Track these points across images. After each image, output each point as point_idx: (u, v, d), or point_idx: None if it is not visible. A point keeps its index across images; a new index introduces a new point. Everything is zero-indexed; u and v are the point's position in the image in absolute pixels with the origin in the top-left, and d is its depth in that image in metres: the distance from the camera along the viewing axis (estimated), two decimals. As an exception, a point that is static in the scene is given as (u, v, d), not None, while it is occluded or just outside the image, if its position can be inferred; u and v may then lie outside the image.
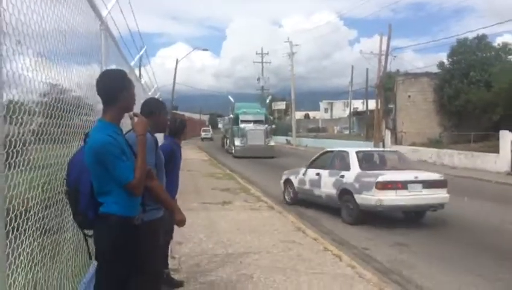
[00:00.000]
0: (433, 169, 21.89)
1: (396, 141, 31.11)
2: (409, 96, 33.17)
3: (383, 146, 30.28)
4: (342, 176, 9.40)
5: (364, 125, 43.87)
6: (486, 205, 11.71)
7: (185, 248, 6.42)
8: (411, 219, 9.44)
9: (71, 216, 2.89)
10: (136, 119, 2.70)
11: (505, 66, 29.53)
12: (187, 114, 63.68)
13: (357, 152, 9.77)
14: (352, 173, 9.20)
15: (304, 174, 10.76)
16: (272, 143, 29.86)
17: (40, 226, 2.67)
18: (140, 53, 12.47)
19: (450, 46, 32.30)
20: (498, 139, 20.60)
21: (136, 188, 2.56)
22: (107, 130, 2.55)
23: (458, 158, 23.33)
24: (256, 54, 55.60)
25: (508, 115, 24.09)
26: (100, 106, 2.91)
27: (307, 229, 7.94)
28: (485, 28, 59.88)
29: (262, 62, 55.07)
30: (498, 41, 32.95)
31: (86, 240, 2.80)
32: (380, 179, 8.56)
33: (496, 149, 20.73)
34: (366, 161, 9.84)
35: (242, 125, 29.43)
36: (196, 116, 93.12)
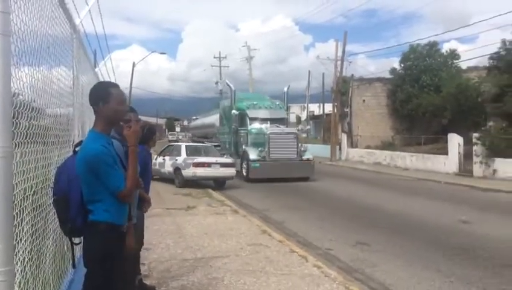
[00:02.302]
0: (387, 170, 22.92)
1: (352, 144, 32.07)
2: (364, 100, 34.35)
3: (340, 149, 31.19)
4: (176, 160, 15.47)
5: (321, 128, 44.87)
6: (437, 205, 12.38)
7: (153, 253, 6.44)
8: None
9: (52, 224, 2.91)
10: (127, 129, 2.76)
11: (452, 72, 31.20)
12: (143, 118, 62.48)
13: (186, 145, 16.95)
14: (181, 158, 15.40)
15: (156, 159, 15.56)
16: (309, 156, 18.66)
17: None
18: (105, 59, 12.29)
19: (401, 53, 33.70)
20: (447, 141, 21.73)
21: (127, 197, 2.67)
22: (100, 140, 2.62)
23: (410, 160, 24.40)
24: (214, 57, 55.60)
25: (456, 118, 25.45)
26: (50, 110, 3.24)
27: (272, 232, 8.13)
28: (436, 36, 62.80)
29: (220, 66, 55.13)
30: (446, 48, 34.77)
31: (73, 248, 2.84)
32: (195, 161, 14.85)
33: (445, 151, 21.85)
34: (191, 150, 16.04)
35: (255, 127, 18.86)
36: (152, 120, 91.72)
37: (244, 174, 17.77)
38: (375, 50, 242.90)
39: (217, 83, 55.77)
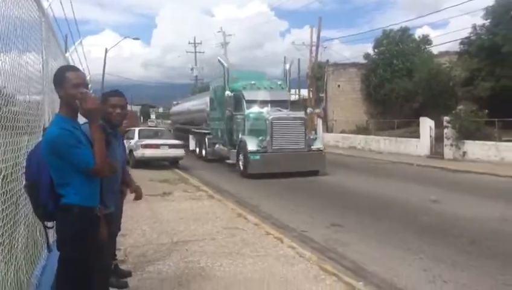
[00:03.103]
0: (361, 154, 23.33)
1: (327, 128, 32.43)
2: (339, 85, 34.67)
3: (316, 133, 31.52)
4: (130, 142, 16.29)
5: (297, 114, 44.98)
6: (409, 186, 12.71)
7: (129, 239, 6.44)
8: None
9: (23, 209, 2.90)
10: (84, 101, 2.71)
11: (424, 57, 31.75)
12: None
13: (139, 129, 17.75)
14: (134, 140, 16.53)
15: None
16: (320, 145, 15.64)
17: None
18: (76, 43, 12.01)
19: (375, 38, 34.08)
20: (419, 125, 22.21)
21: (101, 171, 2.68)
22: (63, 123, 2.62)
23: (384, 144, 24.88)
24: (189, 43, 54.97)
25: (428, 102, 26.01)
26: (19, 96, 3.27)
27: (247, 215, 8.22)
28: (409, 21, 63.63)
29: (195, 52, 54.56)
30: (418, 33, 35.37)
31: (46, 233, 2.84)
32: (144, 143, 15.92)
33: (417, 134, 22.35)
34: (143, 133, 17.10)
35: (254, 111, 15.72)
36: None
37: (241, 168, 14.76)
38: (350, 35, 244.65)
39: (192, 69, 55.30)
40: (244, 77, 17.57)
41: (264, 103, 15.95)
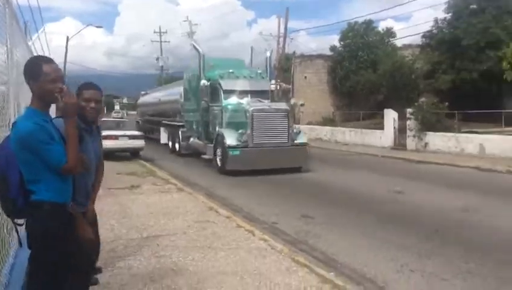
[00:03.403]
0: (327, 146, 23.67)
1: (294, 120, 32.70)
2: (305, 77, 34.97)
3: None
4: None
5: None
6: (374, 177, 13.03)
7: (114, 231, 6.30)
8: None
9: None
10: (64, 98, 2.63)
11: (388, 49, 32.45)
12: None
13: (101, 120, 16.42)
14: None
15: None
16: (303, 139, 14.53)
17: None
18: (40, 31, 11.54)
19: (340, 31, 34.54)
20: (383, 117, 22.74)
21: (73, 169, 2.60)
22: (34, 117, 2.53)
23: (349, 135, 25.34)
24: (154, 32, 53.98)
25: (392, 94, 26.66)
26: None
27: (219, 208, 8.21)
28: (374, 14, 64.75)
29: (160, 41, 53.66)
30: (382, 26, 36.17)
31: (17, 229, 2.75)
32: (103, 134, 14.17)
33: (381, 126, 22.88)
34: (105, 125, 16.02)
35: (232, 102, 14.48)
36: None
37: (219, 163, 13.67)
38: (316, 27, 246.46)
39: (157, 59, 54.38)
40: (221, 64, 16.18)
41: (243, 93, 14.67)
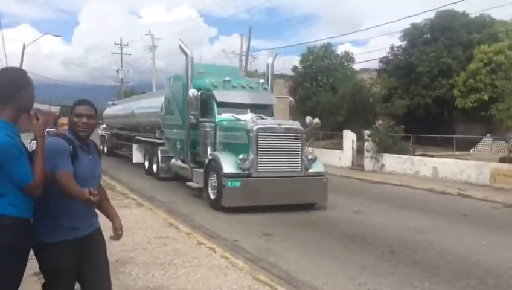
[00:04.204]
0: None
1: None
2: (267, 96, 35.35)
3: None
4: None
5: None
6: (333, 197, 13.25)
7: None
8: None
9: None
10: (37, 120, 2.63)
11: (347, 73, 33.54)
12: (35, 105, 57.60)
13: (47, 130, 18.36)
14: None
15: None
16: (320, 167, 11.44)
17: None
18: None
19: (301, 53, 35.43)
20: (342, 137, 23.32)
21: (36, 189, 2.54)
22: (6, 130, 2.47)
23: (309, 154, 25.74)
24: (115, 44, 53.20)
25: (351, 116, 27.45)
26: None
27: (179, 224, 8.13)
28: (333, 38, 66.84)
29: (121, 53, 52.94)
30: (341, 50, 37.48)
31: None
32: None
33: (340, 146, 23.43)
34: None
35: (227, 118, 11.68)
36: (45, 107, 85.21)
37: (211, 196, 10.55)
38: (277, 48, 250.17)
39: (117, 71, 53.49)
40: (213, 72, 13.43)
41: (241, 107, 11.72)
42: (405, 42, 29.30)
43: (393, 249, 7.37)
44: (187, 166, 12.67)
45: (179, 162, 13.67)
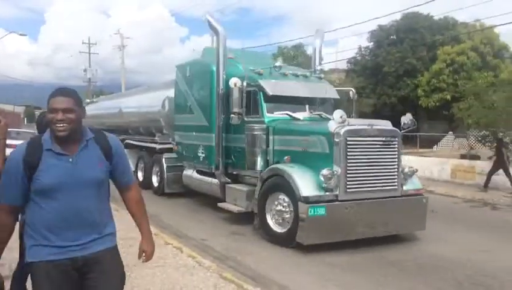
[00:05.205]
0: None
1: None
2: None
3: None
4: None
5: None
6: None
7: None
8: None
9: None
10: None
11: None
12: (-2, 105, 55.79)
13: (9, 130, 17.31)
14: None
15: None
16: (417, 183, 8.15)
17: None
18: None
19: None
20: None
21: None
22: None
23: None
24: (83, 43, 52.00)
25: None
26: None
27: (146, 225, 8.00)
28: (303, 38, 67.40)
29: (89, 52, 51.76)
30: (310, 50, 37.96)
31: None
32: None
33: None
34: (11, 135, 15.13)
35: (281, 117, 8.66)
36: (9, 107, 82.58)
37: (276, 228, 7.52)
38: (249, 48, 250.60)
39: (85, 70, 52.30)
40: (246, 58, 10.55)
41: (297, 102, 9.00)
42: (372, 43, 29.94)
43: (357, 245, 7.50)
44: (214, 180, 9.62)
45: (196, 174, 10.57)
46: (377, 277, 5.89)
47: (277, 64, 9.18)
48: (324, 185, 6.94)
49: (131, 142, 14.89)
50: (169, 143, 12.06)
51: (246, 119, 8.81)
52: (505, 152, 13.65)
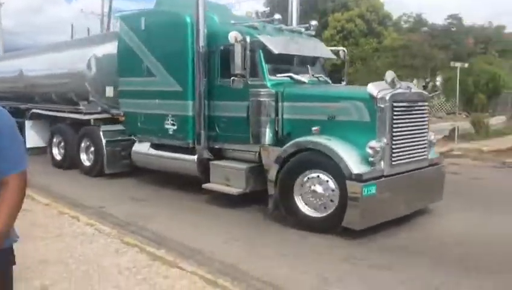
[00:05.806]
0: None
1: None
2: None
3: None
4: None
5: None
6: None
7: None
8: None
9: None
10: None
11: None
12: None
13: None
14: None
15: None
16: (435, 152, 7.50)
17: None
18: None
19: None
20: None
21: None
22: None
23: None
24: None
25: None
26: None
27: (36, 195, 7.47)
28: None
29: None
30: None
31: None
32: None
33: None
34: None
35: (283, 81, 7.37)
36: None
37: (310, 213, 6.25)
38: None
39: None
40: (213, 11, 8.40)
41: (299, 63, 7.97)
42: (268, 8, 30.36)
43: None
44: (187, 157, 8.11)
45: (152, 150, 8.94)
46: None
47: (276, 17, 7.93)
48: (371, 159, 5.95)
49: (41, 112, 12.25)
50: (101, 113, 10.35)
51: (250, 82, 7.18)
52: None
